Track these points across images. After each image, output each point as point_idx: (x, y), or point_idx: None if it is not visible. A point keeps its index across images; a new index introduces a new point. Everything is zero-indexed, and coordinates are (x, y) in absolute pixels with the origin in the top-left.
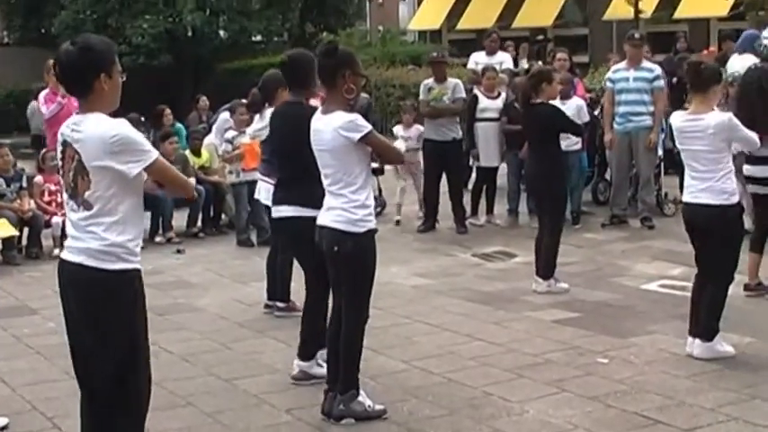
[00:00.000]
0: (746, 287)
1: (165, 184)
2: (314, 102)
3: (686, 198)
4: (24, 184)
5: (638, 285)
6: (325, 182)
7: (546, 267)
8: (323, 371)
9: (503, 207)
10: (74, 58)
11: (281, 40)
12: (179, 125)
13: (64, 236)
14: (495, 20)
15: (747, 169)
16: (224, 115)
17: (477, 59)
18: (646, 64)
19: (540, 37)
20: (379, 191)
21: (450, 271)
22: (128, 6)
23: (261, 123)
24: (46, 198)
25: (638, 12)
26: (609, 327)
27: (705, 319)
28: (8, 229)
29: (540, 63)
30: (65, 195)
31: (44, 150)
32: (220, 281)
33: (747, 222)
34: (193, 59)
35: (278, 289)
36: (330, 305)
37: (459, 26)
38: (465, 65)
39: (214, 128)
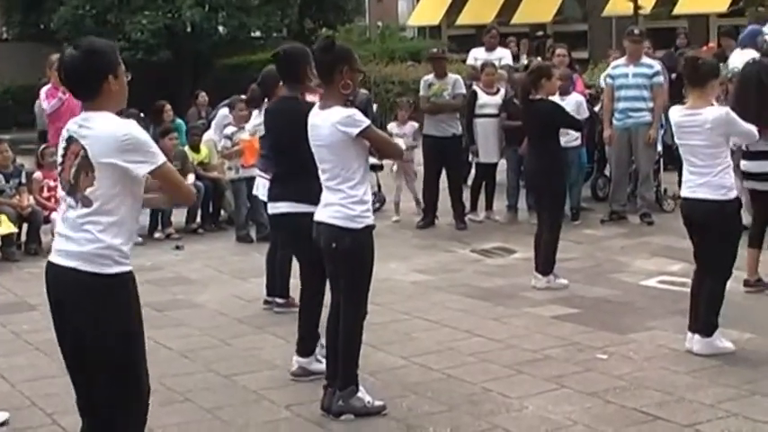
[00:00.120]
0: (746, 283)
1: (169, 190)
2: (313, 98)
3: (684, 193)
4: (23, 180)
5: (637, 281)
6: (322, 177)
7: (545, 263)
8: (322, 367)
9: (502, 203)
10: (79, 62)
11: (280, 36)
12: (179, 121)
13: None
14: (495, 16)
15: (744, 165)
16: (223, 111)
17: (477, 55)
18: (645, 60)
19: (540, 33)
20: (378, 187)
21: (450, 267)
22: (127, 2)
23: (260, 119)
24: (45, 194)
25: (637, 8)
26: (608, 323)
27: (704, 315)
28: (7, 227)
29: (539, 59)
30: (61, 192)
31: (43, 146)
32: (219, 277)
33: (746, 218)
34: (192, 55)
35: (277, 285)
36: (328, 301)
37: (459, 22)
38: (464, 61)
39: (213, 124)
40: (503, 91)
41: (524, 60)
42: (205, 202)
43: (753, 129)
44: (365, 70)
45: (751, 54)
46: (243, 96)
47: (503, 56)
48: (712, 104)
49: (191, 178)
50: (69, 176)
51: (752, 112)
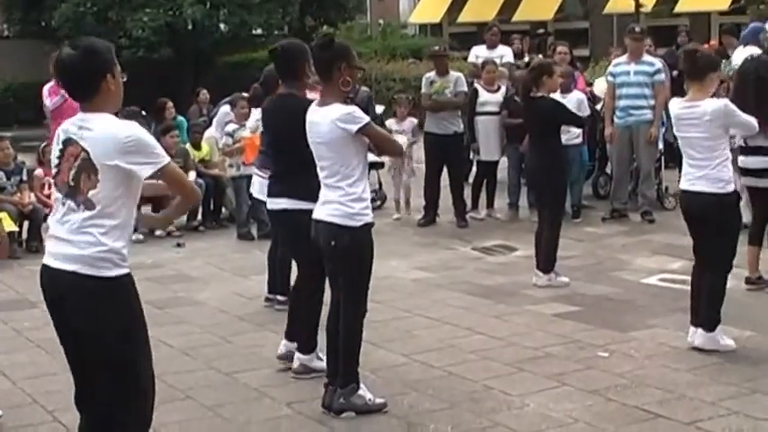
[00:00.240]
0: (747, 281)
1: (175, 189)
2: (315, 95)
3: (683, 186)
4: (24, 178)
5: (638, 279)
6: (321, 175)
7: (546, 261)
8: (323, 364)
9: (503, 201)
10: (78, 61)
11: (281, 34)
12: (180, 118)
13: None
14: (496, 13)
15: (742, 160)
16: (224, 108)
17: (478, 53)
18: (647, 58)
19: (541, 30)
20: (379, 184)
21: (451, 264)
22: None
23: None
24: (46, 191)
25: (638, 5)
26: (609, 320)
27: (706, 310)
28: (9, 224)
29: (540, 56)
30: (57, 195)
31: (44, 143)
32: (221, 274)
33: (746, 216)
34: (194, 53)
35: (278, 282)
36: (328, 299)
37: (460, 19)
38: (466, 58)
39: (214, 121)
40: (504, 88)
41: (527, 58)
42: (206, 199)
43: (752, 120)
44: (364, 67)
45: (753, 51)
46: (244, 94)
47: (504, 53)
48: (711, 97)
49: (192, 176)
50: (68, 178)
51: (750, 108)
